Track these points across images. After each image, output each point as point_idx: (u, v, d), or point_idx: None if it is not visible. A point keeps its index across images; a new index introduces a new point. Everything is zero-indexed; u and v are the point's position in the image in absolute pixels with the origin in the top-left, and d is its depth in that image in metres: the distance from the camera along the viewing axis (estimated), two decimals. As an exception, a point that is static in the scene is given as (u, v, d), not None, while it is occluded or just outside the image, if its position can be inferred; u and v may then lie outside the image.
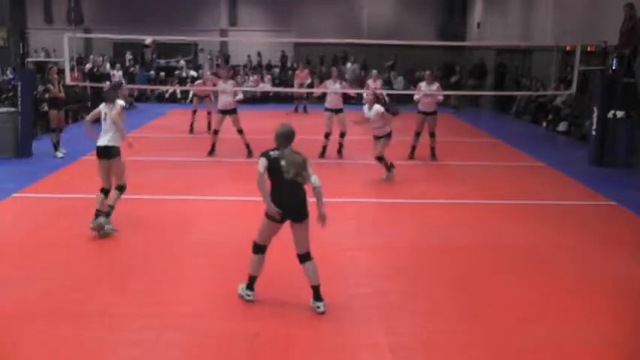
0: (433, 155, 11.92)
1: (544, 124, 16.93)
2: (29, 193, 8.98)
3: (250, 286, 5.52)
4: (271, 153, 5.24)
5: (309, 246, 5.33)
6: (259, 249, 5.45)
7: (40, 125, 13.15)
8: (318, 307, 5.28)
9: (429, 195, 9.40)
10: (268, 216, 5.29)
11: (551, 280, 6.10)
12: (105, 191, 7.29)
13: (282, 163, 5.16)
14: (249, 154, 11.61)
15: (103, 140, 7.21)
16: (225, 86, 12.12)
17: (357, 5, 26.11)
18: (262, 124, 13.77)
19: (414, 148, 12.03)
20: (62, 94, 12.06)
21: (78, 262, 6.43)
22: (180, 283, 5.93)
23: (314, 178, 5.25)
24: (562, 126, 15.80)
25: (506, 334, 5.01)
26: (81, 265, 6.34)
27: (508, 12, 21.83)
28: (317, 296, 5.31)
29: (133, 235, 7.36)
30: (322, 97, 12.95)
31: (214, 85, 13.92)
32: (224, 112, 11.89)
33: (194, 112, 15.22)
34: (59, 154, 11.63)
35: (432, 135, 11.82)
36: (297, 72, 21.66)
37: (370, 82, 14.78)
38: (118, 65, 21.33)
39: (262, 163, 5.19)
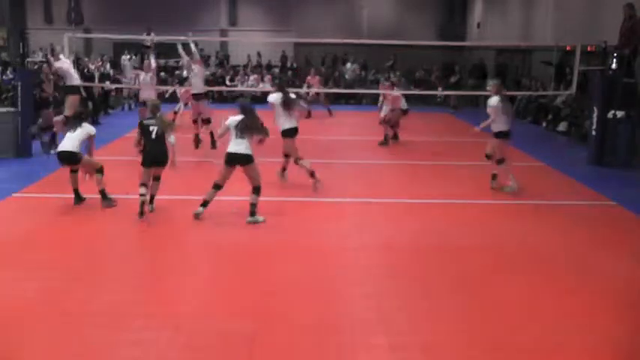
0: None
1: (544, 124, 16.93)
2: (29, 193, 8.98)
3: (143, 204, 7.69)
4: (145, 122, 7.95)
5: (160, 176, 8.02)
6: (142, 186, 7.71)
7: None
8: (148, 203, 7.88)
9: (429, 195, 9.40)
10: (142, 165, 7.82)
11: (551, 280, 6.10)
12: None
13: (151, 128, 7.75)
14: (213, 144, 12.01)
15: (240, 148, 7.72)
16: (146, 78, 12.88)
17: (357, 5, 26.11)
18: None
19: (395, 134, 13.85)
20: (50, 93, 12.21)
21: (78, 262, 6.42)
22: (181, 283, 5.93)
23: (172, 138, 7.94)
24: (562, 126, 15.80)
25: (506, 334, 5.01)
26: (81, 265, 6.33)
27: (508, 12, 21.83)
28: (151, 200, 7.96)
29: (133, 235, 7.36)
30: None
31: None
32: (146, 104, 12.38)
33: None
34: (53, 152, 11.78)
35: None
36: (309, 78, 19.74)
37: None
38: (152, 61, 18.41)
39: (138, 131, 7.97)
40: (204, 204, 7.75)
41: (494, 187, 9.57)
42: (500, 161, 9.49)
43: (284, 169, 9.78)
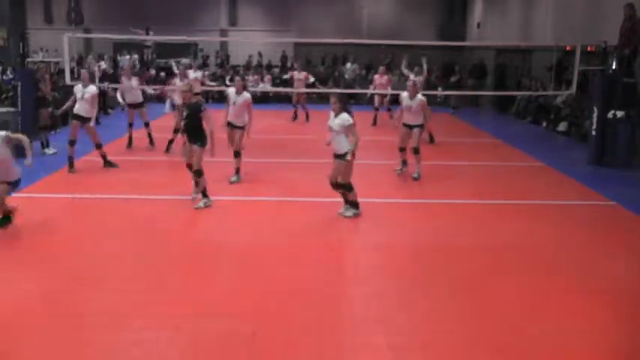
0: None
1: (544, 124, 16.93)
2: (29, 193, 8.97)
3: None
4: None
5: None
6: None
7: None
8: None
9: (429, 195, 9.41)
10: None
11: (551, 280, 6.11)
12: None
13: (185, 112, 8.34)
14: (151, 144, 12.70)
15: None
16: (130, 83, 12.82)
17: (357, 5, 26.11)
18: (262, 124, 13.77)
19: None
20: (47, 93, 12.25)
21: (78, 262, 6.43)
22: (181, 283, 5.93)
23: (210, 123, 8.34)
24: (562, 126, 15.80)
25: (505, 334, 5.01)
26: (81, 265, 6.34)
27: (508, 12, 21.83)
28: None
29: (133, 235, 7.36)
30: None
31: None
32: (133, 107, 12.69)
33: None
34: (49, 152, 11.85)
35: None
36: (295, 73, 17.98)
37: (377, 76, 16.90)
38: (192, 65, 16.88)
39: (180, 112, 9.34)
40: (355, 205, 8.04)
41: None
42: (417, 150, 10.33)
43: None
